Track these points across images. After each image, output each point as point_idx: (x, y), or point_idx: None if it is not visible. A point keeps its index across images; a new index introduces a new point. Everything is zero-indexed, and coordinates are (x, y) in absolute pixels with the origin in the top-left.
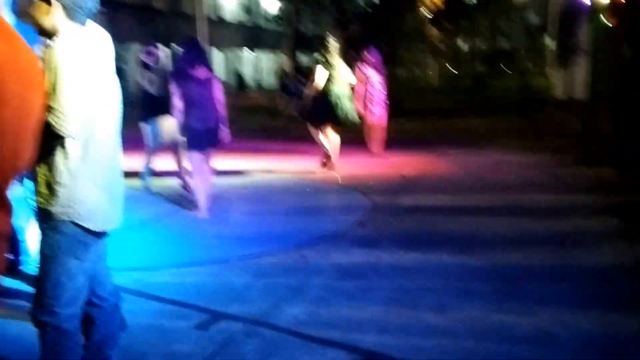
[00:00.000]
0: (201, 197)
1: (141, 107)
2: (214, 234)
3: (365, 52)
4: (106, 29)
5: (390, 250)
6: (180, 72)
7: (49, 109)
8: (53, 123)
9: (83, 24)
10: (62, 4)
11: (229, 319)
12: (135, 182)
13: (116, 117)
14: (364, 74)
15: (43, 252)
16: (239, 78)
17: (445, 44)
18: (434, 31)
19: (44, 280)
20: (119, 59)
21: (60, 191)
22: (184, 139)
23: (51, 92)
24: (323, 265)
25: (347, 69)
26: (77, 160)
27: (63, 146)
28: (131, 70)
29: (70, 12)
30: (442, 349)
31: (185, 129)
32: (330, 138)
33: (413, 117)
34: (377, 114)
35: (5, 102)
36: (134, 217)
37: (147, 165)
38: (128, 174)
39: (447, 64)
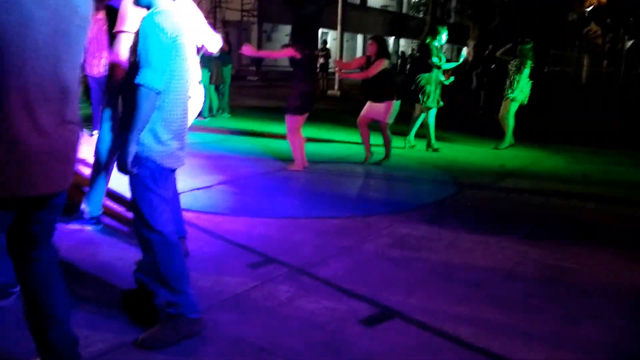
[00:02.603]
0: (298, 154)
1: None
2: (297, 193)
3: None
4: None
5: (453, 229)
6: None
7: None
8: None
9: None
10: None
11: (277, 264)
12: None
13: (189, 79)
14: None
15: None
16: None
17: (603, 40)
18: (593, 27)
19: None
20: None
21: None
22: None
23: (143, 54)
24: (382, 233)
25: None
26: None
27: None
28: None
29: None
30: (463, 318)
31: (301, 94)
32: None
33: (549, 114)
34: None
35: None
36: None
37: None
38: None
39: (602, 62)
